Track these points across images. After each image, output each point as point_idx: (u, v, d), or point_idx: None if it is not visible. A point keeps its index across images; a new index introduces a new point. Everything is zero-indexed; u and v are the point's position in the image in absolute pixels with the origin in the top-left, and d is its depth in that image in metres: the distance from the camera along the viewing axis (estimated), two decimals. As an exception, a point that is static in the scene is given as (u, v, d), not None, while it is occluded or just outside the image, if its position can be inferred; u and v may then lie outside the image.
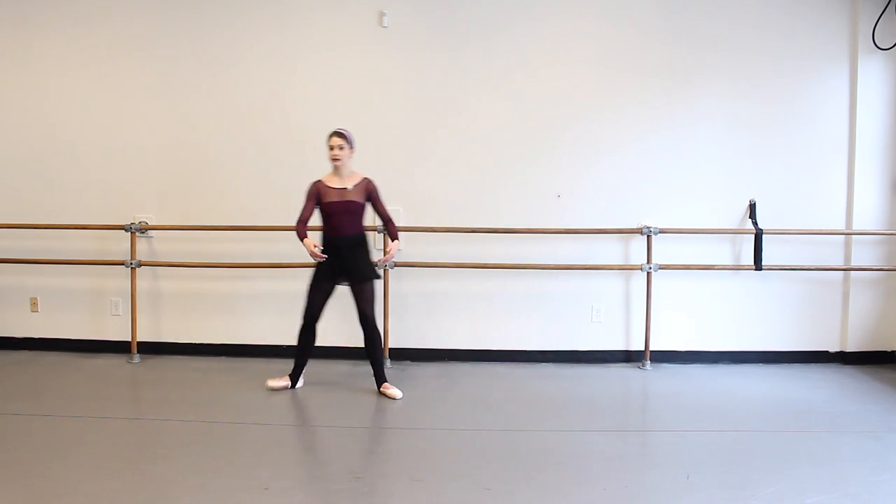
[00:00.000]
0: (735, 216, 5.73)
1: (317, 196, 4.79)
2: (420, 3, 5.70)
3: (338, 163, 4.76)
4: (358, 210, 4.81)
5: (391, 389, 4.89)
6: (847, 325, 5.75)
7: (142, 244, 5.83)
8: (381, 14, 5.68)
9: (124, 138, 5.85)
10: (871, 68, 5.63)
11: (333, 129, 4.78)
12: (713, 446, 4.04)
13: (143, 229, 5.74)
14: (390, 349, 5.68)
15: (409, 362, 5.73)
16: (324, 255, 4.73)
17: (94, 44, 5.82)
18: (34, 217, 5.86)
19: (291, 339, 5.84)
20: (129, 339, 5.77)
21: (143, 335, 5.84)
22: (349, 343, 5.83)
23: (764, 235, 5.56)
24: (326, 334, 5.84)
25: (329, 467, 3.71)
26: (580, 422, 4.44)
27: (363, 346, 4.95)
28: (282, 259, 5.70)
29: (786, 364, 5.71)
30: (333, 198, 4.76)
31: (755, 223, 5.63)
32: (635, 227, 5.66)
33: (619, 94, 5.69)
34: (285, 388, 4.99)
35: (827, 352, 5.79)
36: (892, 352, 5.78)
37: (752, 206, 5.67)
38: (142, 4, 5.80)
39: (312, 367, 5.60)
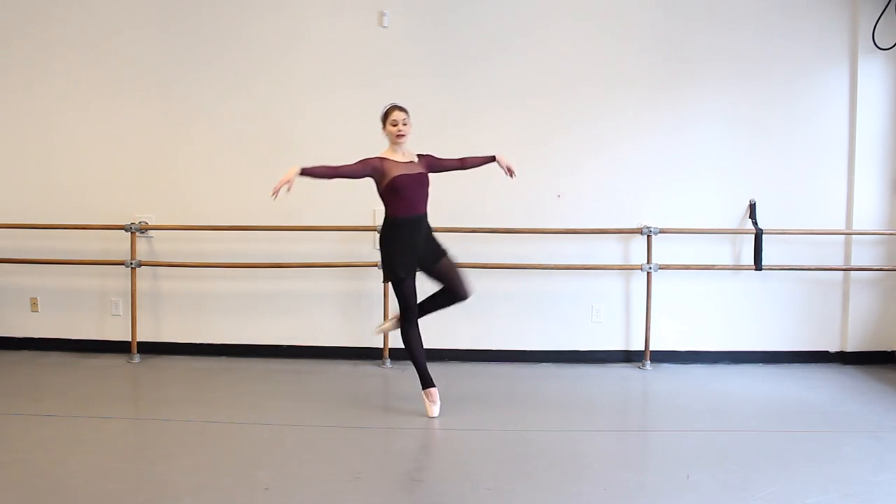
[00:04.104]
0: (735, 216, 5.73)
1: (379, 171, 4.35)
2: (420, 4, 5.70)
3: (402, 139, 4.41)
4: (428, 184, 4.49)
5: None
6: (847, 325, 5.74)
7: (142, 244, 5.83)
8: (381, 14, 5.68)
9: (124, 138, 5.85)
10: (871, 68, 5.62)
11: (390, 104, 4.48)
12: (713, 446, 4.04)
13: (143, 229, 5.74)
14: (390, 349, 5.68)
15: (409, 362, 5.72)
16: (282, 187, 4.05)
17: (95, 45, 5.82)
18: (34, 217, 5.85)
19: (291, 339, 5.87)
20: (129, 339, 5.77)
21: (143, 335, 5.83)
22: (349, 343, 5.84)
23: (764, 235, 5.56)
24: (327, 334, 5.86)
25: (329, 467, 3.70)
26: (580, 422, 4.44)
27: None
28: (282, 259, 5.70)
29: (786, 364, 5.71)
30: (404, 171, 4.38)
31: (755, 223, 5.63)
32: (635, 227, 5.65)
33: (620, 94, 5.68)
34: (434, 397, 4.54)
35: (827, 352, 5.79)
36: (892, 352, 5.78)
37: (752, 206, 5.67)
38: (142, 6, 5.80)
39: (312, 366, 5.62)
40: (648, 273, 5.60)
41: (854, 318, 5.74)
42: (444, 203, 5.70)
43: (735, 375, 5.46)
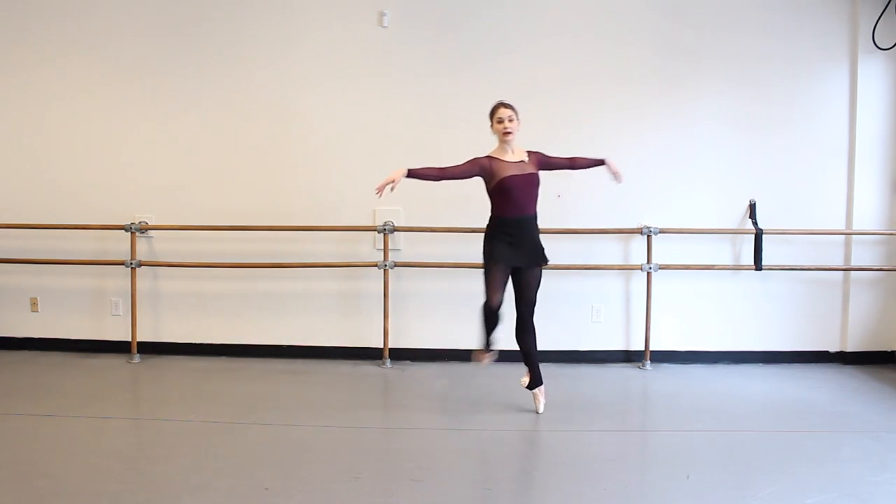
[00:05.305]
0: (735, 216, 5.73)
1: (488, 170, 4.30)
2: (420, 4, 5.70)
3: (509, 136, 4.30)
4: (538, 184, 4.37)
5: (540, 400, 4.56)
6: (847, 325, 5.74)
7: (142, 244, 5.83)
8: (381, 14, 5.67)
9: (124, 138, 5.85)
10: (871, 68, 5.62)
11: (497, 101, 4.39)
12: (713, 446, 4.04)
13: (143, 229, 5.74)
14: (390, 349, 5.68)
15: (408, 362, 5.73)
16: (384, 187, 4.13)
17: (94, 45, 5.82)
18: (34, 217, 5.85)
19: (291, 339, 5.87)
20: (129, 339, 5.77)
21: (143, 335, 5.83)
22: (349, 343, 5.84)
23: (764, 235, 5.56)
24: (327, 334, 5.86)
25: (329, 467, 3.70)
26: (580, 422, 4.44)
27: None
28: (282, 259, 5.70)
29: (786, 364, 5.71)
30: (514, 171, 4.29)
31: (755, 223, 5.63)
32: (635, 227, 5.65)
33: (620, 94, 5.68)
34: (492, 359, 4.66)
35: (827, 352, 5.79)
36: (892, 352, 5.78)
37: (752, 206, 5.67)
38: (142, 7, 5.79)
39: (312, 366, 5.62)
40: (648, 273, 5.60)
41: (854, 318, 5.74)
42: (444, 203, 5.73)
43: (735, 375, 5.46)
